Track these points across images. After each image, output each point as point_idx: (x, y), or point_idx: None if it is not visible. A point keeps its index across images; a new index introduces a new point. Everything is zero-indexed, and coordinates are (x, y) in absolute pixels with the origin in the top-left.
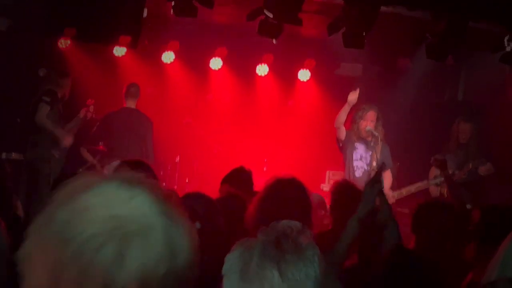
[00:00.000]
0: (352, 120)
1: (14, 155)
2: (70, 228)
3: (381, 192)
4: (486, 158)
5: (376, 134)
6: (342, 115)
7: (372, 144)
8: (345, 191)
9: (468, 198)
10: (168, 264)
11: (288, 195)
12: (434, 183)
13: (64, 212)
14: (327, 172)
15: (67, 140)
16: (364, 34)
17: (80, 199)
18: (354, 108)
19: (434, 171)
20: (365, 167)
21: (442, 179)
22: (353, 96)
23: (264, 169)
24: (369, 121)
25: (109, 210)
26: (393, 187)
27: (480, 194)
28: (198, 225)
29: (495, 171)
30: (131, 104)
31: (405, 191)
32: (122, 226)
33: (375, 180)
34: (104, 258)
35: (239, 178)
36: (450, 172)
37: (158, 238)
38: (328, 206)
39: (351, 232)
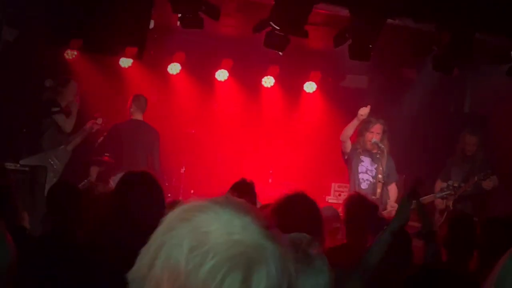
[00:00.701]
0: (358, 133)
1: (20, 165)
2: (198, 253)
3: (421, 206)
4: (492, 170)
5: (382, 146)
6: (350, 129)
7: (377, 156)
8: (358, 204)
9: (473, 211)
10: None
11: (299, 212)
12: (440, 196)
13: (189, 235)
14: (333, 184)
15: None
16: (370, 46)
17: (200, 222)
18: (361, 120)
19: (440, 184)
20: (371, 179)
21: (449, 192)
22: (363, 112)
23: (270, 180)
24: (375, 134)
25: (230, 235)
26: (398, 201)
27: (485, 207)
28: None
29: (499, 184)
30: (138, 115)
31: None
32: (244, 252)
33: (411, 194)
34: (231, 285)
35: (241, 190)
36: (456, 184)
37: (277, 264)
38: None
39: (383, 244)
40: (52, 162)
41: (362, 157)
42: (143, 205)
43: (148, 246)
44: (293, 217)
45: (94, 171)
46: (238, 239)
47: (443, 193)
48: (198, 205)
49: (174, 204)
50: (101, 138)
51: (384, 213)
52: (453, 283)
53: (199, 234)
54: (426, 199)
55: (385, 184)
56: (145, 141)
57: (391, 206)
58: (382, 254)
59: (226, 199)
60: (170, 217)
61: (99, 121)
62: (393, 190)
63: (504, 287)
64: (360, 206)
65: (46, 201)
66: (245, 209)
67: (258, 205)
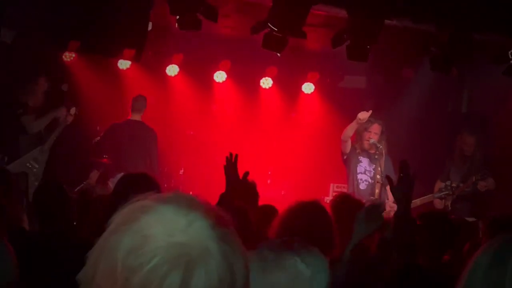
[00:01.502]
0: (356, 132)
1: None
2: (135, 257)
3: (380, 218)
4: (489, 171)
5: (380, 147)
6: (349, 130)
7: (376, 157)
8: (345, 204)
9: (470, 211)
10: None
11: (311, 219)
12: (438, 196)
13: (128, 239)
14: (331, 185)
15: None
16: (368, 47)
17: (141, 225)
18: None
19: (439, 184)
20: (369, 180)
21: (447, 192)
22: (363, 116)
23: (268, 181)
24: (373, 134)
25: (170, 237)
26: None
27: (483, 207)
28: None
29: (497, 184)
30: (136, 116)
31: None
32: (184, 254)
33: (369, 210)
34: (170, 286)
35: (247, 190)
36: (454, 185)
37: (219, 263)
38: None
39: (344, 263)
40: (30, 166)
41: (361, 158)
42: None
43: (92, 251)
44: (304, 223)
45: (94, 174)
46: (178, 240)
47: (441, 193)
48: (141, 206)
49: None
50: (98, 138)
51: (383, 213)
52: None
53: (138, 237)
54: (424, 199)
55: (383, 185)
56: (142, 141)
57: (390, 206)
58: (344, 272)
59: (173, 196)
60: (114, 220)
61: (73, 111)
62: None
63: (473, 282)
64: (347, 206)
65: (33, 202)
66: (193, 206)
67: None
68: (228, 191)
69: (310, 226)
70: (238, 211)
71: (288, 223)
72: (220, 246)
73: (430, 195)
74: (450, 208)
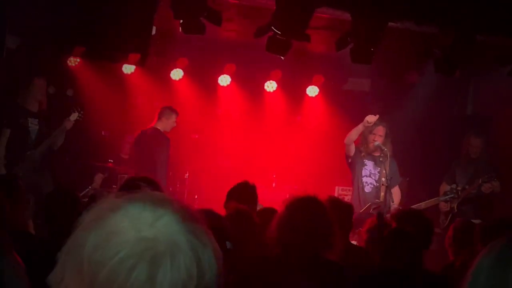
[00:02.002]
0: (361, 135)
1: None
2: (101, 252)
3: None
4: (496, 174)
5: (385, 149)
6: (354, 133)
7: (380, 159)
8: (334, 207)
9: (476, 213)
10: (197, 283)
11: (309, 214)
12: (444, 199)
13: (94, 236)
14: (336, 188)
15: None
16: (372, 50)
17: (108, 222)
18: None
19: (445, 187)
20: (374, 183)
21: (452, 195)
22: (371, 119)
23: (273, 184)
24: (377, 136)
25: (137, 232)
26: (402, 204)
27: (489, 209)
28: (229, 244)
29: (503, 186)
30: (158, 124)
31: (415, 207)
32: (151, 248)
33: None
34: (136, 280)
35: (246, 193)
36: (460, 187)
37: (186, 257)
38: None
39: None
40: (22, 176)
41: (366, 161)
42: None
43: (61, 251)
44: (304, 219)
45: (98, 177)
46: (145, 235)
47: (447, 196)
48: (109, 205)
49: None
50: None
51: (388, 216)
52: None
53: (105, 233)
54: (429, 202)
55: (388, 187)
56: (148, 149)
57: (395, 209)
58: None
59: (141, 195)
60: (82, 219)
61: (73, 117)
62: (396, 193)
63: (476, 285)
64: (335, 209)
65: (44, 208)
66: (161, 202)
67: (259, 208)
68: None
69: (309, 222)
70: (243, 215)
71: (288, 222)
72: (188, 240)
73: (436, 198)
74: (456, 211)
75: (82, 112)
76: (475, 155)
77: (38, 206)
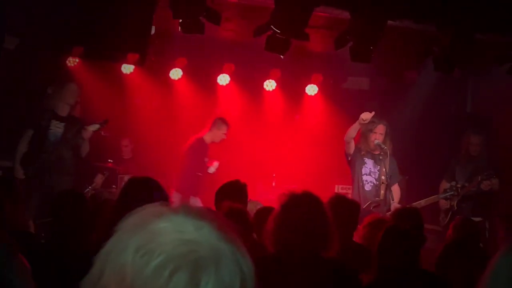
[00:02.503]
0: (361, 134)
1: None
2: (144, 253)
3: None
4: (495, 171)
5: (385, 148)
6: (352, 131)
7: (380, 158)
8: (340, 205)
9: (475, 211)
10: None
11: (303, 212)
12: (443, 197)
13: (137, 238)
14: (336, 186)
15: (17, 174)
16: (371, 48)
17: (152, 226)
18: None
19: (445, 184)
20: (374, 181)
21: (452, 192)
22: (366, 116)
23: (273, 184)
24: (378, 134)
25: (181, 235)
26: (402, 201)
27: (488, 206)
28: None
29: (503, 184)
30: (208, 134)
31: (415, 205)
32: (195, 251)
33: None
34: (178, 284)
35: (236, 191)
36: (459, 185)
37: (229, 265)
38: None
39: None
40: (36, 174)
41: (365, 159)
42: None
43: (99, 254)
44: (300, 215)
45: (98, 178)
46: (189, 238)
47: (446, 194)
48: (153, 211)
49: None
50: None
51: (388, 214)
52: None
53: (147, 235)
54: (429, 200)
55: (388, 186)
56: (181, 156)
57: (395, 207)
58: None
59: (183, 206)
60: (124, 223)
61: (92, 127)
62: (396, 191)
63: (497, 283)
64: (342, 207)
65: (51, 209)
66: (201, 214)
67: (258, 206)
68: None
69: (307, 219)
70: (239, 214)
71: (284, 220)
72: (230, 249)
73: (435, 195)
74: (456, 208)
75: (103, 125)
76: (475, 153)
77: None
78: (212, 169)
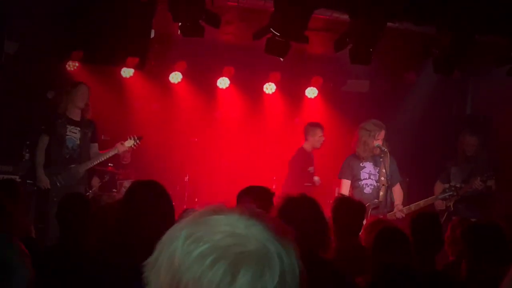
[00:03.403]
0: (361, 141)
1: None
2: (192, 241)
3: None
4: (493, 172)
5: (385, 149)
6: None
7: (380, 159)
8: (345, 206)
9: (472, 212)
10: None
11: (301, 214)
12: (442, 197)
13: (190, 227)
14: (336, 189)
15: (41, 183)
16: (370, 50)
17: (206, 219)
18: (360, 127)
19: (440, 186)
20: (375, 183)
21: (451, 193)
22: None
23: (274, 186)
24: (380, 140)
25: (231, 228)
26: (403, 203)
27: (485, 207)
28: None
29: (500, 186)
30: (306, 144)
31: (413, 206)
32: (240, 244)
33: None
34: (216, 272)
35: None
36: (458, 185)
37: (272, 264)
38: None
39: None
40: (56, 181)
41: (364, 163)
42: (151, 213)
43: (160, 240)
44: (297, 219)
45: (95, 181)
46: (237, 232)
47: (445, 194)
48: (210, 209)
49: (187, 212)
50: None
51: (389, 215)
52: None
53: (199, 224)
54: (428, 200)
55: (389, 186)
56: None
57: (398, 209)
58: None
59: (237, 207)
60: (182, 218)
61: (128, 143)
62: (398, 192)
63: None
64: (347, 209)
65: (56, 213)
66: (256, 214)
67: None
68: None
69: (299, 220)
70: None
71: (282, 219)
72: (277, 249)
73: (434, 196)
74: (452, 209)
75: (138, 142)
76: (471, 153)
77: None
78: (317, 179)
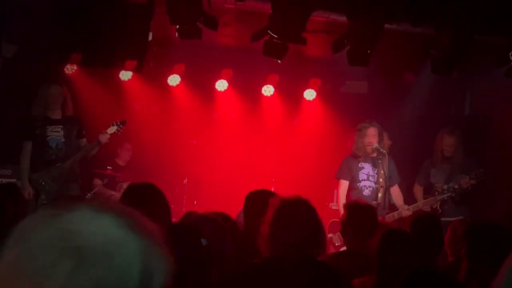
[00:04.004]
0: (355, 141)
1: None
2: (30, 239)
3: None
4: (483, 170)
5: (383, 151)
6: (342, 197)
7: (379, 161)
8: (357, 211)
9: (459, 211)
10: (140, 285)
11: (297, 216)
12: (441, 198)
13: (30, 225)
14: (335, 191)
15: (24, 191)
16: (368, 52)
17: (50, 220)
18: (355, 128)
19: (418, 188)
20: (373, 185)
21: (449, 194)
22: None
23: (272, 189)
24: (371, 137)
25: (70, 224)
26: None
27: (471, 204)
28: (204, 241)
29: (498, 185)
30: None
31: (413, 207)
32: (80, 239)
33: None
34: (59, 273)
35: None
36: (457, 186)
37: (126, 257)
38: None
39: None
40: (43, 183)
41: (362, 164)
42: (146, 215)
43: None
44: (292, 221)
45: (97, 182)
46: (79, 229)
47: (444, 195)
48: (51, 212)
49: (188, 215)
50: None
51: (387, 217)
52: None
53: (35, 224)
54: (426, 202)
55: (387, 188)
56: None
57: (404, 208)
58: None
59: (90, 200)
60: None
61: (111, 130)
62: (396, 193)
63: None
64: (359, 213)
65: None
66: (108, 207)
67: None
68: None
69: (296, 222)
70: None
71: (277, 226)
72: (134, 241)
73: (432, 197)
74: (440, 211)
75: (121, 126)
76: (450, 153)
77: None
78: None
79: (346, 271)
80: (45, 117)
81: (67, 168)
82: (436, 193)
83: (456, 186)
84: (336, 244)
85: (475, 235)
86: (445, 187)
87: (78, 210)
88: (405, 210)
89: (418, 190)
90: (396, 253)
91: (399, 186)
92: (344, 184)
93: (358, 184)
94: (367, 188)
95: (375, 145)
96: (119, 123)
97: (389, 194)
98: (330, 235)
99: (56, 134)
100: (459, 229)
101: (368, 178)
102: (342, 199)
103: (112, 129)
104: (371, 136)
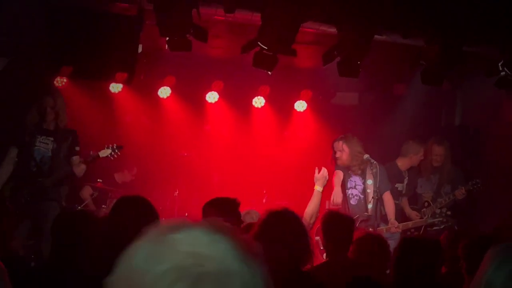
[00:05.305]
0: (349, 154)
1: None
2: (149, 260)
3: None
4: (477, 180)
5: (374, 161)
6: (337, 198)
7: (371, 172)
8: (335, 221)
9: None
10: None
11: (285, 228)
12: (431, 222)
13: (148, 246)
14: (326, 202)
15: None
16: (358, 63)
17: (165, 237)
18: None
19: (405, 200)
20: (359, 195)
21: (441, 219)
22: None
23: (264, 200)
24: (338, 152)
25: (192, 247)
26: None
27: (460, 213)
28: None
29: (489, 195)
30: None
31: (402, 225)
32: (200, 265)
33: None
34: None
35: (223, 209)
36: (449, 212)
37: (236, 284)
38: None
39: None
40: (21, 197)
41: (351, 172)
42: (136, 228)
43: (118, 260)
44: (278, 234)
45: (86, 193)
46: (199, 251)
47: (435, 219)
48: (173, 224)
49: None
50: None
51: (379, 229)
52: None
53: (160, 243)
54: (417, 222)
55: (379, 200)
56: None
57: (392, 224)
58: None
59: (205, 221)
60: (145, 233)
61: (103, 153)
62: (388, 201)
63: None
64: (337, 224)
65: (51, 230)
66: (222, 229)
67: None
68: None
69: (284, 234)
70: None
71: (264, 239)
72: (242, 268)
73: (423, 219)
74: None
75: (117, 152)
76: (438, 163)
77: (40, 231)
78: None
79: (328, 282)
80: (38, 126)
81: (48, 186)
82: (426, 203)
83: (449, 213)
84: (321, 248)
85: (476, 253)
86: (438, 211)
87: (193, 231)
88: (395, 228)
89: (404, 203)
90: (415, 262)
91: (392, 193)
92: (339, 175)
93: (346, 191)
94: (354, 197)
95: (366, 156)
96: (115, 147)
97: (381, 205)
98: (317, 238)
99: (44, 146)
100: (457, 244)
101: (355, 187)
102: (338, 192)
103: (105, 153)
104: (338, 150)
